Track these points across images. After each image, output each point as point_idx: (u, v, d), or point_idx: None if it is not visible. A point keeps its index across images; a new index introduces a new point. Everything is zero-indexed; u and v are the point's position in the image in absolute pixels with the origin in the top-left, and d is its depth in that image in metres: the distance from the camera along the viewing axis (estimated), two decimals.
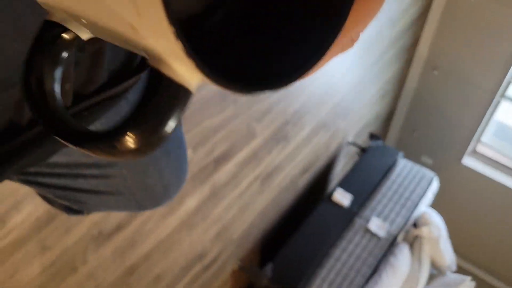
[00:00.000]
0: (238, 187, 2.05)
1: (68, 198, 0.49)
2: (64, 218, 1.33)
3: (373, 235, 2.46)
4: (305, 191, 2.92)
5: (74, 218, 1.36)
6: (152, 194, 0.51)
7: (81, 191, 0.48)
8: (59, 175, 0.45)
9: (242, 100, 1.72)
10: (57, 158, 0.43)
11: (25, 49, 0.28)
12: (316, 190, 3.11)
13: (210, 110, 1.59)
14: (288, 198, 2.72)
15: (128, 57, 0.41)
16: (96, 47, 0.36)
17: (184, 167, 0.55)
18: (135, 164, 0.47)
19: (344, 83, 2.62)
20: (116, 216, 1.47)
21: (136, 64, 0.42)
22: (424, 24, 3.36)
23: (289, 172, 2.53)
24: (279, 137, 2.18)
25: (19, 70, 0.30)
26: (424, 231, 2.51)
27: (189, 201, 1.76)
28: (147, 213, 1.57)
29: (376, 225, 2.50)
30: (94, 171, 0.46)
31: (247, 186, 2.13)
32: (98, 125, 0.41)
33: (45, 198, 0.56)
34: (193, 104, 1.47)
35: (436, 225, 2.56)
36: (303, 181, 2.82)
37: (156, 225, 1.65)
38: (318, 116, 2.52)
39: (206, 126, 1.61)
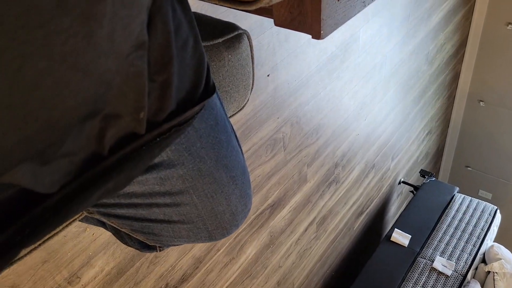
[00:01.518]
0: (294, 232, 2.05)
1: (143, 231, 0.53)
2: (133, 272, 1.38)
3: (440, 274, 2.35)
4: (361, 234, 2.86)
5: (141, 273, 1.41)
6: (221, 222, 0.54)
7: (156, 221, 0.51)
8: (135, 206, 0.48)
9: (290, 146, 1.77)
10: (133, 187, 0.47)
11: (105, 80, 0.32)
12: (372, 232, 3.02)
13: (262, 158, 1.65)
14: (345, 242, 2.67)
15: (193, 86, 0.45)
16: (164, 77, 0.39)
17: (249, 193, 0.58)
18: (204, 190, 0.50)
19: (389, 122, 2.62)
20: (180, 267, 1.50)
21: (200, 92, 0.46)
22: (463, 58, 3.36)
23: (343, 216, 2.50)
24: (330, 180, 2.19)
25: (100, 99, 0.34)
26: (495, 266, 2.36)
27: (249, 249, 1.77)
28: (209, 263, 1.60)
29: (442, 264, 2.38)
30: (167, 200, 0.48)
31: (304, 231, 2.12)
32: (169, 152, 0.45)
33: (121, 237, 0.60)
34: (244, 153, 1.54)
35: (508, 259, 2.41)
36: (359, 224, 2.77)
37: (219, 275, 1.67)
38: (366, 157, 2.51)
39: (259, 173, 1.66)
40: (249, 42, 0.66)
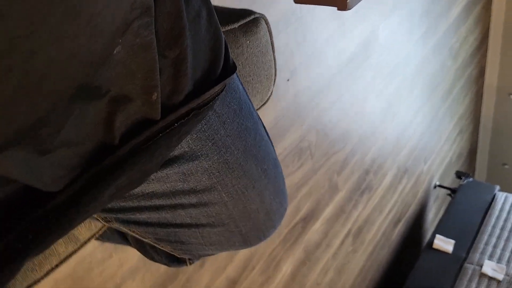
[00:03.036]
0: (331, 246, 1.95)
1: (169, 239, 0.46)
2: None
3: (491, 279, 2.19)
4: (401, 244, 2.72)
5: None
6: (255, 223, 0.47)
7: (182, 226, 0.45)
8: (157, 208, 0.43)
9: (317, 154, 1.69)
10: (153, 186, 0.41)
11: (100, 47, 0.26)
12: (412, 241, 2.88)
13: (289, 168, 1.57)
14: (384, 254, 2.53)
15: (210, 64, 0.39)
16: (177, 52, 0.34)
17: (284, 190, 0.51)
18: (234, 186, 0.43)
19: (417, 123, 2.51)
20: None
21: (219, 71, 0.40)
22: (487, 51, 3.24)
23: (380, 225, 2.38)
24: (362, 188, 2.09)
25: (104, 74, 0.28)
26: None
27: (284, 266, 1.68)
28: (244, 283, 1.51)
29: (492, 268, 2.22)
30: (193, 199, 0.43)
31: (340, 244, 2.02)
32: (190, 142, 0.39)
33: (146, 251, 0.53)
34: None
35: None
36: (397, 233, 2.63)
37: None
38: (398, 161, 2.40)
39: (288, 184, 1.58)
40: (268, 27, 0.60)
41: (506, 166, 3.84)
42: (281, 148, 1.49)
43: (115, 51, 0.29)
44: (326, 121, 1.67)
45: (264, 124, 1.51)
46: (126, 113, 0.32)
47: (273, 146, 0.50)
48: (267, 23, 0.60)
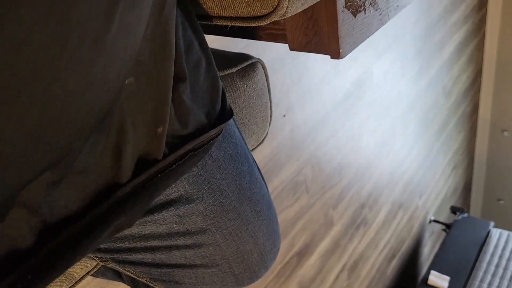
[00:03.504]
0: (326, 282, 1.94)
1: (163, 279, 0.47)
2: None
3: None
4: (396, 280, 2.69)
5: None
6: (249, 264, 0.48)
7: (177, 267, 0.45)
8: (153, 249, 0.43)
9: (313, 188, 1.71)
10: (150, 228, 0.42)
11: (113, 76, 0.28)
12: (407, 277, 2.85)
13: (284, 203, 1.58)
14: None
15: (208, 110, 0.41)
16: (174, 96, 0.36)
17: (277, 230, 0.52)
18: (228, 227, 0.44)
19: (412, 158, 2.54)
20: None
21: (215, 116, 0.42)
22: (480, 88, 3.31)
23: (375, 260, 2.37)
24: (358, 222, 2.09)
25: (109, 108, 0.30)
26: None
27: None
28: None
29: None
30: (187, 240, 0.43)
31: (335, 279, 2.00)
32: (186, 186, 0.40)
33: None
34: None
35: None
36: (392, 268, 2.62)
37: None
38: (393, 196, 2.42)
39: (283, 219, 1.59)
40: (264, 71, 0.63)
41: (501, 202, 3.85)
42: (277, 182, 1.51)
43: (126, 81, 0.30)
44: (321, 156, 1.70)
45: (261, 158, 1.53)
46: (132, 144, 0.33)
47: (267, 187, 0.52)
48: (263, 67, 0.63)
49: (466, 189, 3.79)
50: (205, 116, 0.41)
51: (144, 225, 0.40)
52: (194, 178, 0.40)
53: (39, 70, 0.22)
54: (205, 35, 0.45)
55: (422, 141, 2.61)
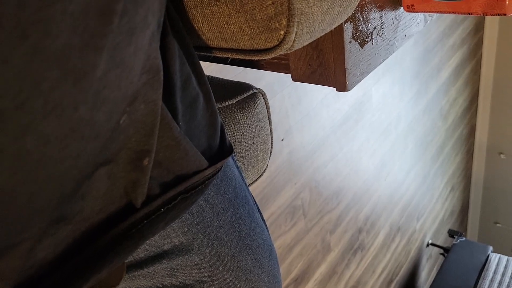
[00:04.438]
0: None
1: None
2: None
3: None
4: None
5: None
6: None
7: None
8: None
9: (311, 212, 1.67)
10: (139, 282, 0.38)
11: (104, 118, 0.24)
12: None
13: (281, 228, 1.54)
14: None
15: (203, 149, 0.38)
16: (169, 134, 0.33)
17: (278, 277, 0.48)
18: (225, 279, 0.41)
19: (410, 181, 2.51)
20: None
21: (211, 155, 0.39)
22: (477, 111, 3.31)
23: (373, 285, 2.31)
24: (355, 247, 2.05)
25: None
26: None
27: None
28: None
29: None
30: None
31: None
32: (181, 236, 0.37)
33: None
34: None
35: None
36: None
37: None
38: (391, 219, 2.38)
39: (279, 245, 1.55)
40: (265, 102, 0.60)
41: (498, 225, 3.82)
42: (275, 207, 1.47)
43: (121, 121, 0.27)
44: (320, 179, 1.66)
45: (258, 183, 1.48)
46: (114, 178, 0.30)
47: (267, 229, 0.48)
48: (264, 97, 0.60)
49: (463, 211, 3.76)
50: (201, 154, 0.37)
51: (132, 280, 0.36)
52: (189, 227, 0.36)
53: (4, 118, 0.18)
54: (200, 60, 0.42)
55: (420, 163, 2.59)
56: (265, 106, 0.60)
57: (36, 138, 0.20)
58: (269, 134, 0.61)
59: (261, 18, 0.35)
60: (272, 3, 0.34)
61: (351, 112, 1.74)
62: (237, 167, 0.45)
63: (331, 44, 0.50)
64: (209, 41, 0.40)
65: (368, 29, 0.52)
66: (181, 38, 0.38)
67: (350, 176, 1.88)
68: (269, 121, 0.62)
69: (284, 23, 0.34)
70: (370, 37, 0.53)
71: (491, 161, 3.50)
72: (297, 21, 0.35)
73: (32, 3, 0.17)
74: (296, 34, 0.36)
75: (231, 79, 0.88)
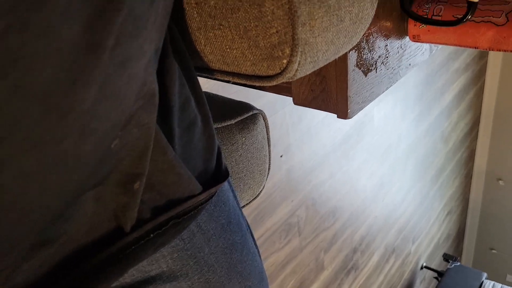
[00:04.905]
0: None
1: None
2: None
3: None
4: None
5: None
6: None
7: None
8: None
9: (306, 230, 1.65)
10: None
11: (90, 148, 0.23)
12: None
13: (275, 245, 1.53)
14: None
15: (199, 173, 0.37)
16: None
17: None
18: None
19: (408, 203, 2.50)
20: None
21: (205, 180, 0.38)
22: (478, 136, 3.30)
23: None
24: (349, 267, 2.03)
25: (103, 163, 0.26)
26: None
27: None
28: None
29: None
30: None
31: None
32: (170, 261, 0.35)
33: None
34: (256, 240, 1.42)
35: None
36: None
37: None
38: (386, 240, 2.36)
39: (272, 262, 1.53)
40: (265, 123, 0.59)
41: (494, 251, 3.79)
42: (270, 223, 1.45)
43: (113, 145, 0.26)
44: (317, 198, 1.65)
45: (255, 198, 1.47)
46: (102, 201, 0.29)
47: (260, 255, 0.47)
48: (265, 119, 0.59)
49: (459, 236, 3.74)
50: (195, 178, 0.37)
51: None
52: (179, 252, 0.35)
53: None
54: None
55: (419, 185, 2.58)
56: (264, 127, 0.59)
57: (14, 174, 0.19)
58: (267, 156, 0.61)
59: (264, 45, 0.34)
60: (276, 31, 0.33)
61: (351, 132, 1.74)
62: (232, 191, 0.45)
63: (334, 71, 0.49)
64: (211, 64, 0.40)
65: (372, 58, 0.51)
66: (183, 59, 0.37)
67: (348, 195, 1.86)
68: (268, 143, 0.61)
69: (288, 52, 0.34)
70: (374, 66, 0.52)
71: (490, 186, 3.49)
72: (301, 51, 0.34)
73: (13, 41, 0.17)
74: (299, 64, 0.35)
75: (233, 98, 0.88)
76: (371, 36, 0.50)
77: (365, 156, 1.90)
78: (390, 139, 2.07)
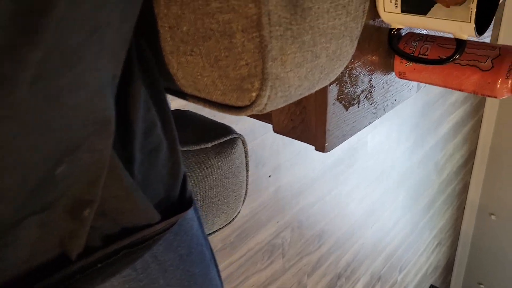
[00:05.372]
0: None
1: None
2: None
3: None
4: None
5: None
6: None
7: None
8: None
9: (290, 252, 1.63)
10: None
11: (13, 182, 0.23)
12: None
13: (257, 265, 1.50)
14: None
15: (159, 201, 0.36)
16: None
17: None
18: None
19: (397, 231, 2.48)
20: None
21: (164, 208, 0.36)
22: (472, 169, 3.29)
23: None
24: None
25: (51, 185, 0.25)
26: None
27: None
28: None
29: None
30: None
31: None
32: (123, 285, 0.35)
33: None
34: (237, 260, 1.40)
35: None
36: None
37: None
38: (372, 268, 2.33)
39: (253, 283, 1.50)
40: (244, 148, 0.58)
41: (482, 286, 3.76)
42: (253, 243, 1.43)
43: (57, 171, 0.25)
44: (303, 220, 1.63)
45: (239, 218, 1.45)
46: (47, 227, 0.28)
47: (222, 285, 0.45)
48: (244, 143, 0.58)
49: (448, 268, 3.70)
50: (154, 206, 0.35)
51: None
52: (131, 283, 0.34)
53: None
54: None
55: (410, 214, 2.56)
56: (243, 152, 0.58)
57: None
58: (245, 181, 0.59)
59: (234, 77, 0.33)
60: (246, 64, 0.32)
61: (343, 157, 1.72)
62: (198, 218, 0.43)
63: (314, 103, 0.48)
64: (184, 88, 0.39)
65: (355, 92, 0.51)
66: (154, 82, 0.36)
67: (336, 220, 1.84)
68: (246, 168, 0.60)
69: (257, 85, 0.33)
70: (356, 100, 0.52)
71: (481, 220, 3.47)
72: (271, 85, 0.33)
73: None
74: (268, 98, 0.34)
75: (219, 117, 0.87)
76: (354, 70, 0.49)
77: (357, 182, 1.89)
78: (383, 166, 2.06)
